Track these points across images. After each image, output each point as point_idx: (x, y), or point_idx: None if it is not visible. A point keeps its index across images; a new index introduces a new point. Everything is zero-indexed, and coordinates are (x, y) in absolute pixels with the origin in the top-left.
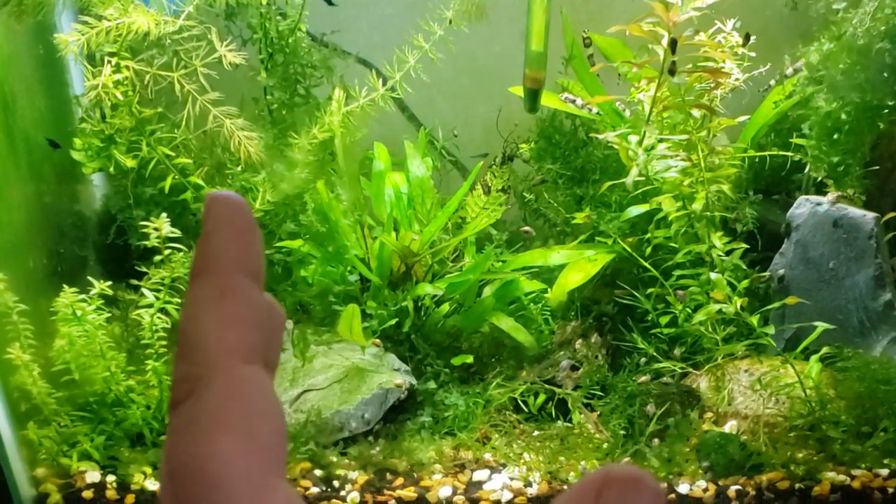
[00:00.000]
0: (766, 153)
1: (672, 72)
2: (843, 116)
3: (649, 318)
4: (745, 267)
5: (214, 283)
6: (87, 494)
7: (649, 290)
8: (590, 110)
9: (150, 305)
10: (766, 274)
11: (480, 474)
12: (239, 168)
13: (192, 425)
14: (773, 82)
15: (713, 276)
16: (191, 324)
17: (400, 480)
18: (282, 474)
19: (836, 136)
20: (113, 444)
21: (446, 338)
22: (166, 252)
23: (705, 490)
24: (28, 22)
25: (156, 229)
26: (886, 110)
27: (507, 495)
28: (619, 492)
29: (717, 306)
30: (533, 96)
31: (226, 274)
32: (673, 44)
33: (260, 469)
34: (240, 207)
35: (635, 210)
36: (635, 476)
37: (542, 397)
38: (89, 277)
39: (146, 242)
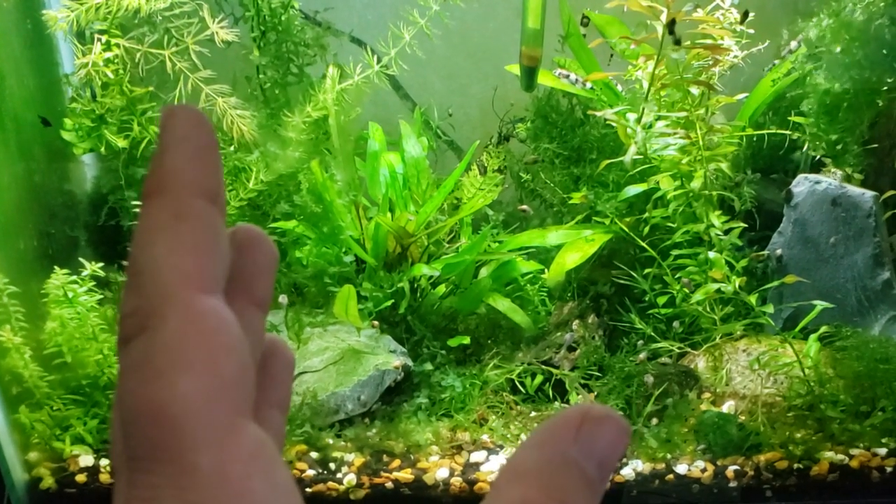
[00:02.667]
0: (765, 132)
1: (677, 41)
2: (842, 94)
3: (647, 299)
4: (741, 244)
5: (169, 206)
6: (81, 478)
7: (647, 271)
8: (584, 86)
9: None
10: (765, 253)
11: (478, 456)
12: (232, 147)
13: (147, 364)
14: (777, 61)
15: (711, 255)
16: (142, 251)
17: (397, 462)
18: (249, 414)
19: (834, 115)
20: (106, 427)
21: (443, 319)
22: None
23: (703, 470)
24: None
25: None
26: (885, 88)
27: None
28: (596, 427)
29: (716, 286)
30: (529, 74)
31: (182, 196)
32: (672, 23)
33: (225, 410)
34: (199, 122)
35: (633, 189)
36: (608, 414)
37: (539, 378)
38: (81, 259)
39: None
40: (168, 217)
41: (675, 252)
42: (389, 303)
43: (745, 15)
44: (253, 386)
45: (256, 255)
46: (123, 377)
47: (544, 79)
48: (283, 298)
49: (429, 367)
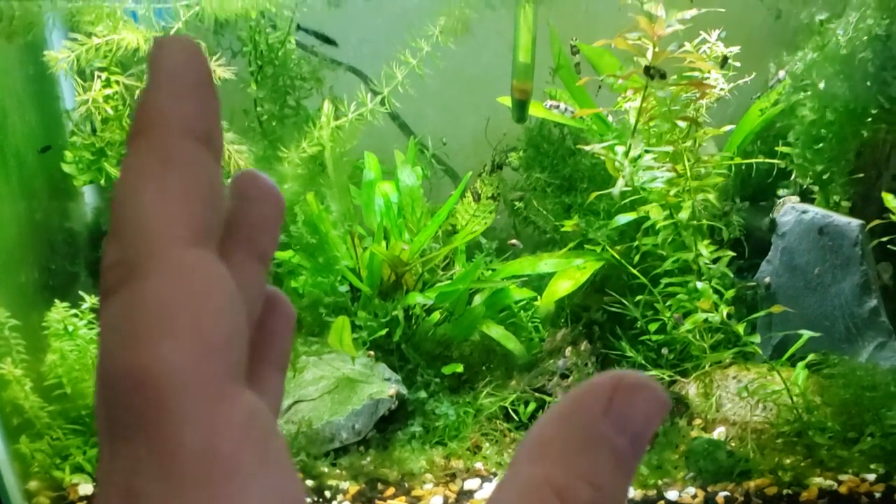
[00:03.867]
0: (753, 160)
1: (662, 76)
2: (828, 125)
3: (638, 326)
4: (731, 275)
5: (156, 149)
6: None
7: (638, 298)
8: (571, 115)
9: None
10: (753, 283)
11: (471, 483)
12: (229, 181)
13: (127, 324)
14: (765, 92)
15: (699, 285)
16: (126, 199)
17: (391, 490)
18: (240, 381)
19: (820, 145)
20: None
21: (437, 347)
22: None
23: (694, 496)
24: (18, 42)
25: None
26: (870, 118)
27: None
28: (630, 397)
29: (704, 315)
30: (520, 107)
31: (170, 137)
32: (647, 70)
33: (213, 377)
34: (192, 55)
35: (623, 218)
36: (644, 383)
37: (532, 405)
38: (80, 292)
39: None
40: (154, 161)
41: (665, 280)
42: (384, 331)
43: (724, 59)
44: (245, 349)
45: (261, 205)
46: (103, 337)
47: (536, 110)
48: None
49: (423, 394)
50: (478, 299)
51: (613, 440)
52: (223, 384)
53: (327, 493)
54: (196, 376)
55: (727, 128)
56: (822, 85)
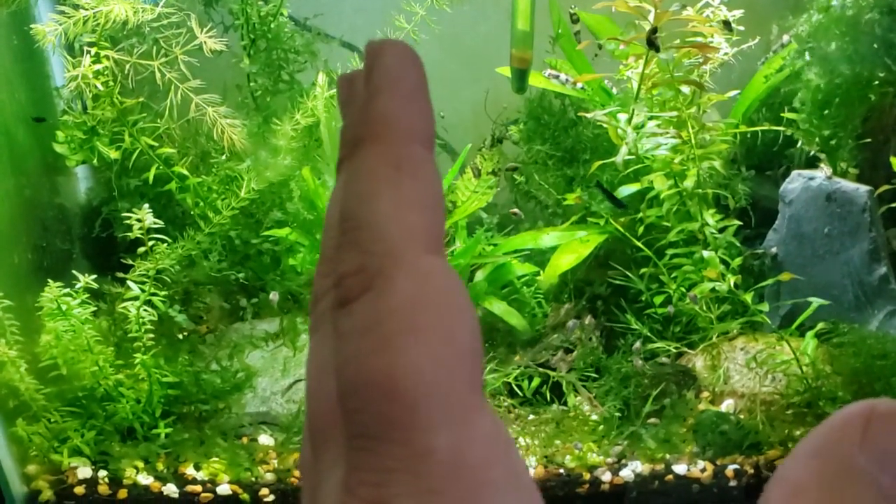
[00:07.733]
0: (758, 128)
1: (654, 45)
2: (834, 89)
3: (643, 299)
4: (738, 244)
5: (388, 155)
6: (79, 490)
7: (643, 270)
8: (574, 86)
9: (135, 298)
10: (760, 251)
11: None
12: (223, 156)
13: (376, 329)
14: (770, 55)
15: (706, 254)
16: (362, 204)
17: None
18: (482, 390)
19: (827, 110)
20: (103, 438)
21: None
22: (150, 244)
23: (703, 470)
24: (4, 12)
25: (138, 220)
26: (877, 82)
27: None
28: (888, 427)
29: (711, 285)
30: (520, 76)
31: (400, 143)
32: (650, 43)
33: (462, 385)
34: (412, 59)
35: (627, 189)
36: None
37: (536, 381)
38: (74, 271)
39: (131, 234)
40: (388, 168)
41: (670, 251)
42: None
43: (727, 24)
44: (483, 359)
45: None
46: (345, 343)
47: (536, 80)
48: (273, 296)
49: None
50: (479, 275)
51: (876, 477)
52: (470, 393)
53: None
54: (446, 382)
55: (732, 93)
56: (828, 48)
